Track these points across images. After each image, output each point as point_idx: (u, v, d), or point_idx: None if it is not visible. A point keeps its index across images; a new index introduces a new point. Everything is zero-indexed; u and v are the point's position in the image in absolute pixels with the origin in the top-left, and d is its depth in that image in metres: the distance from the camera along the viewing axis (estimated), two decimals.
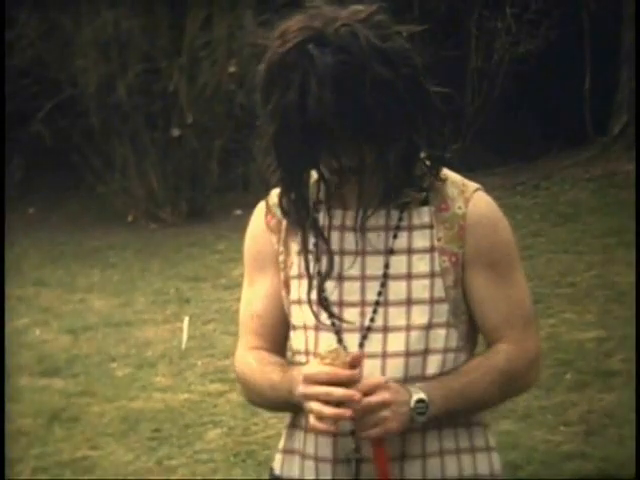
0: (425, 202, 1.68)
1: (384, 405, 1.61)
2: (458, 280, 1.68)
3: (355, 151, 1.62)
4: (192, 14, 8.25)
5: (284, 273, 1.71)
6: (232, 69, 8.02)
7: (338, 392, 1.58)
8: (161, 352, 5.18)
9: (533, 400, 4.21)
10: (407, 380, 1.66)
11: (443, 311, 1.68)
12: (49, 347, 5.40)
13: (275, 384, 1.69)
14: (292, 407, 1.70)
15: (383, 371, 1.65)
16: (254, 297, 1.74)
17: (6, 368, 5.08)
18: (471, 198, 1.68)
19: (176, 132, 8.18)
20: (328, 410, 1.58)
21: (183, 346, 5.19)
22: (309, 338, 1.70)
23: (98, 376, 4.94)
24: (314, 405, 1.59)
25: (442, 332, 1.68)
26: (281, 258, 1.71)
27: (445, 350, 1.68)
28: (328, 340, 1.67)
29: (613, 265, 5.65)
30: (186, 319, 5.43)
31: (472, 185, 1.71)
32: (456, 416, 1.70)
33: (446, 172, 1.70)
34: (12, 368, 5.05)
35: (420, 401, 1.63)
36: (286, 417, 1.77)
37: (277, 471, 1.76)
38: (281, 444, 1.77)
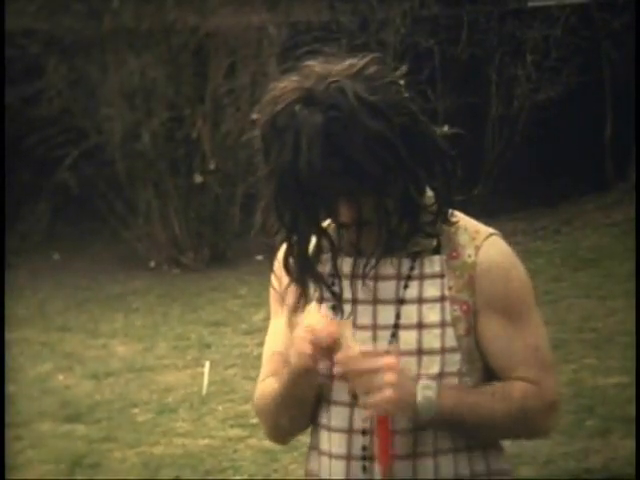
0: (437, 250, 1.68)
1: (389, 369, 1.58)
2: (470, 328, 1.67)
3: (353, 206, 1.62)
4: (216, 62, 8.37)
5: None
6: (255, 116, 8.10)
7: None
8: (182, 397, 5.19)
9: (555, 446, 4.18)
10: (419, 429, 1.66)
11: (455, 360, 1.66)
12: (72, 393, 5.42)
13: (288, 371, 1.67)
14: (308, 390, 1.67)
15: (394, 419, 1.65)
16: (276, 332, 1.75)
17: (29, 413, 5.10)
18: (482, 246, 1.67)
19: (199, 178, 8.26)
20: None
21: (204, 391, 5.20)
22: (325, 386, 1.70)
23: (120, 422, 4.95)
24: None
25: (454, 381, 1.66)
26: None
27: None
28: (341, 387, 1.67)
29: (635, 310, 5.63)
30: (207, 364, 5.44)
31: (485, 231, 1.69)
32: (461, 432, 1.66)
33: (459, 217, 1.69)
34: (35, 414, 5.08)
35: (426, 387, 1.61)
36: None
37: (309, 467, 1.76)
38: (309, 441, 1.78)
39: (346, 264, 1.70)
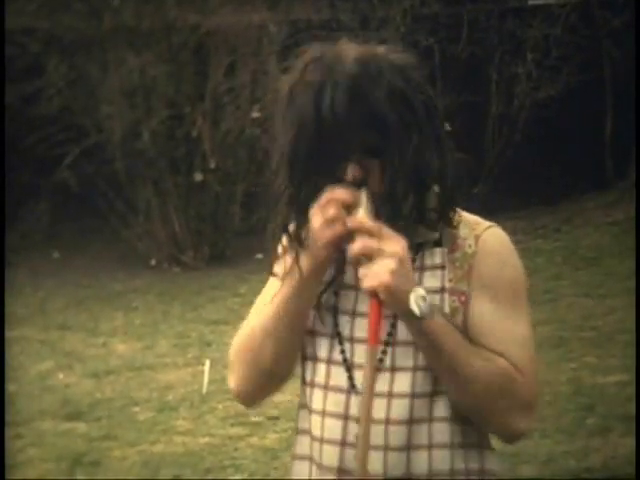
0: (438, 243, 1.68)
1: (391, 255, 1.56)
2: (466, 319, 1.66)
3: (363, 166, 1.62)
4: (216, 61, 8.37)
5: None
6: (255, 114, 8.11)
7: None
8: (182, 395, 5.19)
9: (555, 445, 4.18)
10: (413, 423, 1.65)
11: None
12: (72, 391, 5.42)
13: (278, 294, 1.66)
14: (303, 307, 1.66)
15: (388, 411, 1.64)
16: (271, 289, 1.73)
17: (29, 412, 5.11)
18: (482, 235, 1.67)
19: (199, 177, 8.26)
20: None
21: (204, 390, 5.20)
22: (319, 370, 1.70)
23: (120, 420, 4.95)
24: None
25: None
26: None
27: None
28: (339, 374, 1.67)
29: (635, 309, 5.63)
30: (207, 362, 5.44)
31: (485, 223, 1.69)
32: (437, 364, 1.62)
33: (461, 213, 1.70)
34: (35, 412, 5.08)
35: (422, 296, 1.58)
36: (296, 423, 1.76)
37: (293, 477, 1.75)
38: (293, 450, 1.76)
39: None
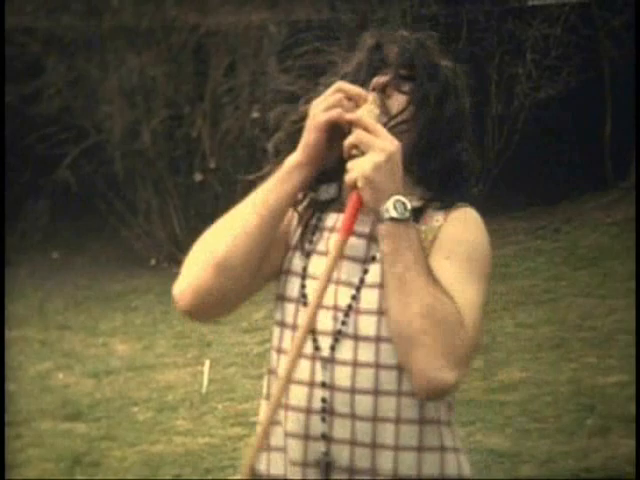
0: (415, 219, 1.69)
1: (380, 150, 1.57)
2: None
3: (397, 96, 1.70)
4: (215, 61, 8.37)
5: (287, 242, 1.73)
6: (255, 115, 8.11)
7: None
8: (182, 396, 5.19)
9: (554, 445, 4.19)
10: (380, 394, 1.63)
11: None
12: (72, 391, 5.42)
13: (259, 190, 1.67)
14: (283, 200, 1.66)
15: (354, 380, 1.62)
16: None
17: (29, 412, 5.11)
18: (452, 211, 1.70)
19: (199, 177, 8.26)
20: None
21: (204, 390, 5.20)
22: (286, 336, 1.69)
23: (120, 420, 4.95)
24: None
25: None
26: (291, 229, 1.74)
27: None
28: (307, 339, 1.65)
29: (635, 309, 5.64)
30: (207, 363, 5.45)
31: (458, 204, 1.72)
32: (392, 270, 1.58)
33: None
34: (35, 412, 5.08)
35: (402, 202, 1.58)
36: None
37: (259, 467, 1.72)
38: (259, 415, 1.75)
39: (330, 218, 1.71)
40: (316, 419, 1.64)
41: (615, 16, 8.03)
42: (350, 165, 1.59)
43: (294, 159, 1.65)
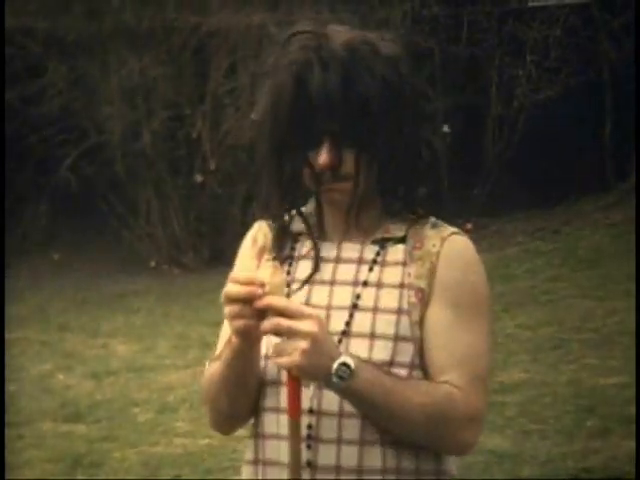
0: (403, 240, 1.67)
1: (305, 335, 1.53)
2: (422, 318, 1.64)
3: (336, 151, 1.60)
4: (216, 62, 8.38)
5: None
6: (255, 116, 8.12)
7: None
8: (182, 397, 5.20)
9: (554, 446, 4.20)
10: (365, 417, 1.61)
11: (407, 350, 1.63)
12: (72, 392, 5.43)
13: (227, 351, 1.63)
14: (247, 369, 1.63)
15: (342, 402, 1.61)
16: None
17: (29, 413, 5.11)
18: (448, 238, 1.66)
19: (199, 178, 8.27)
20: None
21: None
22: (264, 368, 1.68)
23: (120, 421, 4.97)
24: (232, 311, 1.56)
25: (404, 372, 1.63)
26: None
27: None
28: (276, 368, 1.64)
29: (634, 311, 5.64)
30: (207, 364, 5.45)
31: (452, 229, 1.69)
32: (380, 415, 1.59)
33: (429, 217, 1.70)
34: (35, 413, 5.09)
35: (345, 365, 1.55)
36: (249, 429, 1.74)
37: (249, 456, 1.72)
38: (246, 456, 1.73)
39: (309, 246, 1.68)
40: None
41: (615, 17, 8.04)
42: (275, 349, 1.55)
43: (232, 347, 1.61)
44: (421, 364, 1.63)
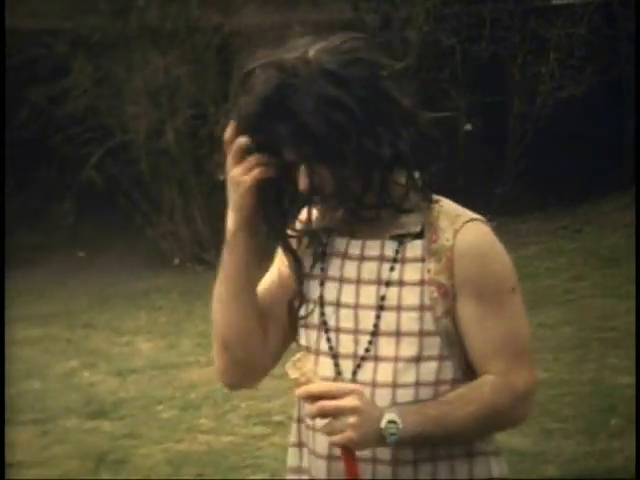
0: (420, 235, 1.69)
1: (351, 411, 1.61)
2: (449, 311, 1.67)
3: (310, 174, 1.64)
4: (239, 61, 8.41)
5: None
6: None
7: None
8: (205, 394, 5.23)
9: (577, 446, 4.20)
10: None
11: (434, 344, 1.68)
12: (97, 389, 5.48)
13: None
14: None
15: (372, 400, 1.66)
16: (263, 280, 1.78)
17: (54, 409, 5.17)
18: (460, 229, 1.67)
19: (222, 176, 8.29)
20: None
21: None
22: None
23: (144, 418, 5.00)
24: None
25: (434, 365, 1.68)
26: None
27: (438, 382, 1.68)
28: (326, 364, 1.71)
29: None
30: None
31: (466, 216, 1.70)
32: (435, 443, 1.68)
33: (444, 202, 1.71)
34: (60, 410, 5.14)
35: (391, 422, 1.62)
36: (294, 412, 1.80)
37: (291, 464, 1.79)
38: (290, 438, 1.80)
39: (340, 244, 1.72)
40: (337, 465, 1.69)
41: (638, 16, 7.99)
42: (328, 429, 1.62)
43: (232, 227, 1.71)
44: (451, 354, 1.68)
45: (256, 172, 1.67)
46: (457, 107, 7.76)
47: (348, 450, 1.64)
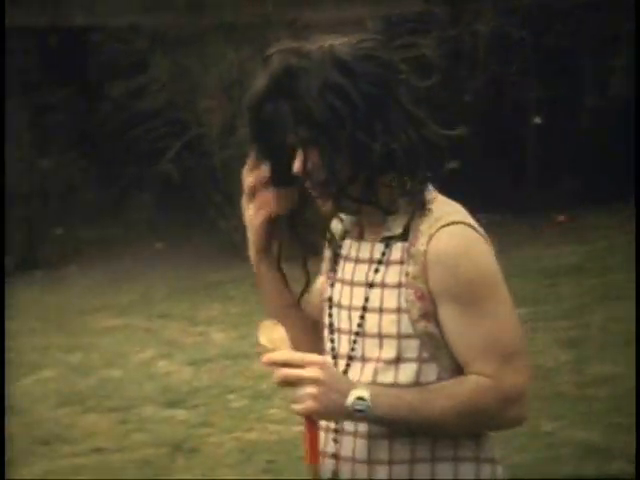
0: (405, 237, 1.72)
1: (311, 381, 1.64)
2: (427, 314, 1.68)
3: (306, 157, 1.68)
4: None
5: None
6: None
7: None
8: (276, 385, 5.36)
9: None
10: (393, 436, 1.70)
11: (413, 346, 1.69)
12: (172, 378, 5.62)
13: None
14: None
15: (342, 374, 1.72)
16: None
17: (133, 398, 5.37)
18: (434, 235, 1.68)
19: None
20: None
21: None
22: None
23: (216, 407, 5.13)
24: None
25: (413, 366, 1.69)
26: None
27: (419, 384, 1.69)
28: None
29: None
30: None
31: (444, 220, 1.69)
32: (411, 429, 1.67)
33: (435, 205, 1.71)
34: (138, 398, 5.33)
35: (360, 398, 1.64)
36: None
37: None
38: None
39: (346, 246, 1.78)
40: (328, 438, 1.76)
41: None
42: (292, 398, 1.67)
43: (253, 262, 1.84)
44: (434, 358, 1.69)
45: (264, 212, 1.77)
46: (527, 100, 7.76)
47: (311, 421, 1.66)
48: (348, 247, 1.79)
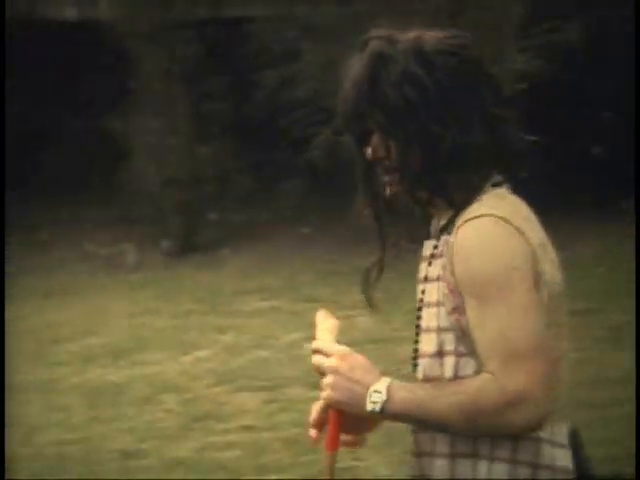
0: (450, 231, 1.73)
1: (329, 370, 1.70)
2: (458, 308, 1.69)
3: (381, 144, 1.73)
4: None
5: None
6: None
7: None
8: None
9: None
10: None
11: (450, 339, 1.70)
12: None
13: None
14: None
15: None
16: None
17: (280, 378, 5.63)
18: (460, 227, 1.69)
19: None
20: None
21: None
22: None
23: None
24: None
25: (451, 360, 1.70)
26: None
27: (458, 378, 1.69)
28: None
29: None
30: None
31: (472, 214, 1.69)
32: (425, 425, 1.69)
33: (479, 199, 1.72)
34: (285, 379, 5.59)
35: (376, 391, 1.67)
36: None
37: None
38: None
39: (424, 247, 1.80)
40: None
41: None
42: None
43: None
44: (469, 351, 1.69)
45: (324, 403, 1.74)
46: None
47: (333, 409, 1.71)
48: (424, 247, 1.82)
